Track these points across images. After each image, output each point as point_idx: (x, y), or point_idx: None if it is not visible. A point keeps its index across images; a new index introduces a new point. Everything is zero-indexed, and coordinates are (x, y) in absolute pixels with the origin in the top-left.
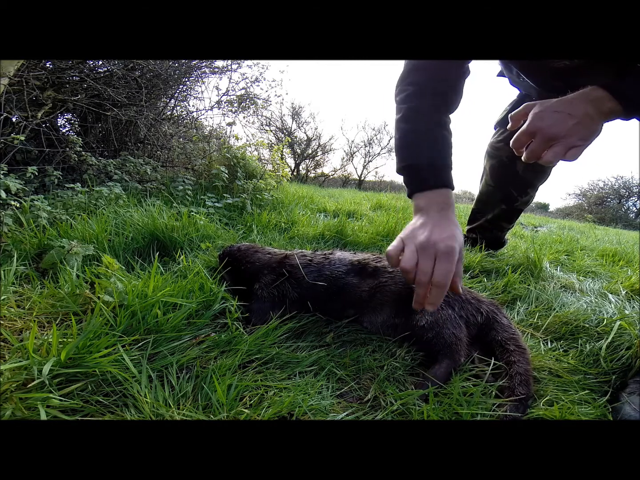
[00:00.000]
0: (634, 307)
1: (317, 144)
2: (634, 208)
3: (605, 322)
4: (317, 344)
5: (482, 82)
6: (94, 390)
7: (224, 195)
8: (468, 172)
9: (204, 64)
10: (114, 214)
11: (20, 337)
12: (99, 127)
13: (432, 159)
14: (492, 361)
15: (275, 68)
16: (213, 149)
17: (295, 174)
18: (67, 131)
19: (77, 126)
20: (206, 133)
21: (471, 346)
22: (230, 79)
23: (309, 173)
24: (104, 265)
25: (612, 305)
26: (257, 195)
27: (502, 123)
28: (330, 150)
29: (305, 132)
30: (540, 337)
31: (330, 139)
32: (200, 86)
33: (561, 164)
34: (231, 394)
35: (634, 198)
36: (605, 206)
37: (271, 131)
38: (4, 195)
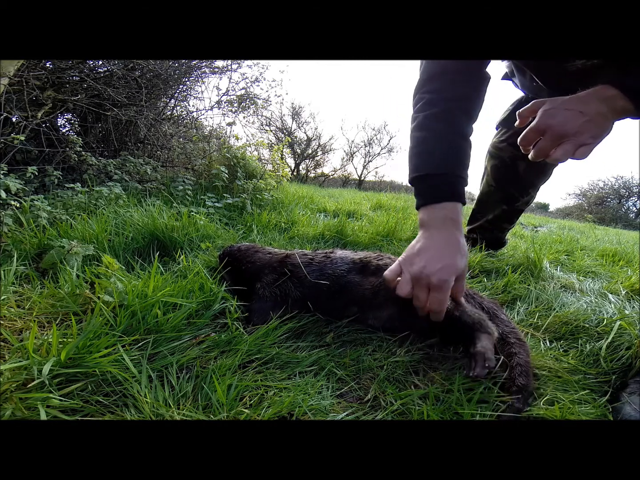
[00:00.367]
0: (634, 307)
1: (317, 144)
2: (634, 208)
3: (605, 322)
4: (317, 344)
5: None
6: (94, 390)
7: (224, 195)
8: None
9: (204, 64)
10: (114, 214)
11: (20, 337)
12: (99, 127)
13: (445, 168)
14: (501, 357)
15: (275, 68)
16: (213, 149)
17: (295, 174)
18: (67, 131)
19: (77, 126)
20: (206, 133)
21: None
22: (230, 79)
23: (309, 173)
24: (104, 265)
25: (612, 305)
26: (257, 195)
27: (504, 123)
28: (330, 150)
29: (305, 132)
30: (540, 337)
31: (330, 139)
32: (200, 86)
33: (562, 164)
34: (231, 394)
35: (634, 198)
36: (605, 206)
37: (271, 131)
38: (4, 195)
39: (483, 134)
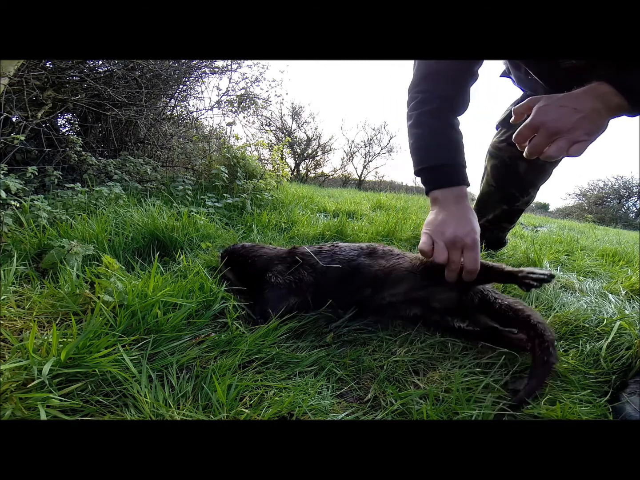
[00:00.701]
0: (634, 307)
1: (317, 144)
2: (634, 208)
3: (605, 322)
4: (317, 344)
5: (483, 82)
6: (94, 390)
7: (224, 195)
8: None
9: (204, 64)
10: (114, 213)
11: (20, 337)
12: (99, 127)
13: (445, 159)
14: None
15: (275, 68)
16: (213, 149)
17: (295, 174)
18: (67, 131)
19: (77, 126)
20: (206, 133)
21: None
22: (230, 79)
23: (309, 173)
24: (104, 265)
25: (612, 305)
26: (257, 195)
27: (504, 123)
28: (330, 150)
29: (305, 132)
30: None
31: (330, 139)
32: (200, 86)
33: (562, 163)
34: (231, 394)
35: (634, 198)
36: (605, 206)
37: (271, 131)
38: (4, 195)
39: (483, 134)
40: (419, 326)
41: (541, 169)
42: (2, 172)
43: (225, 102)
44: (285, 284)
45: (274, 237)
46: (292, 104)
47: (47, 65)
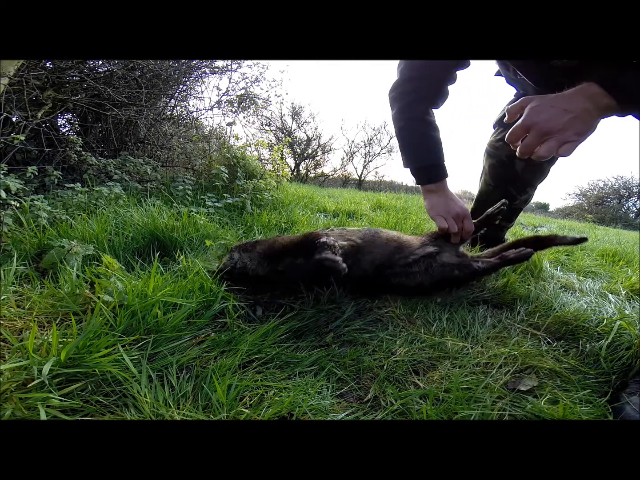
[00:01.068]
0: (634, 307)
1: (317, 144)
2: (634, 208)
3: (605, 322)
4: (317, 344)
5: (481, 81)
6: (94, 390)
7: (224, 195)
8: (468, 172)
9: (204, 64)
10: (114, 213)
11: (20, 337)
12: (99, 127)
13: (434, 160)
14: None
15: (275, 68)
16: (213, 149)
17: (295, 173)
18: (67, 131)
19: (77, 126)
20: (206, 133)
21: None
22: (230, 79)
23: (309, 173)
24: (104, 265)
25: (612, 305)
26: (257, 195)
27: (500, 122)
28: (330, 150)
29: (305, 132)
30: (541, 337)
31: (330, 139)
32: (200, 86)
33: (563, 162)
34: (231, 394)
35: (634, 198)
36: (605, 206)
37: (271, 131)
38: (4, 195)
39: (479, 134)
40: (420, 324)
41: (538, 168)
42: (2, 172)
43: (225, 102)
44: (337, 247)
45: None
46: (292, 104)
47: (47, 65)
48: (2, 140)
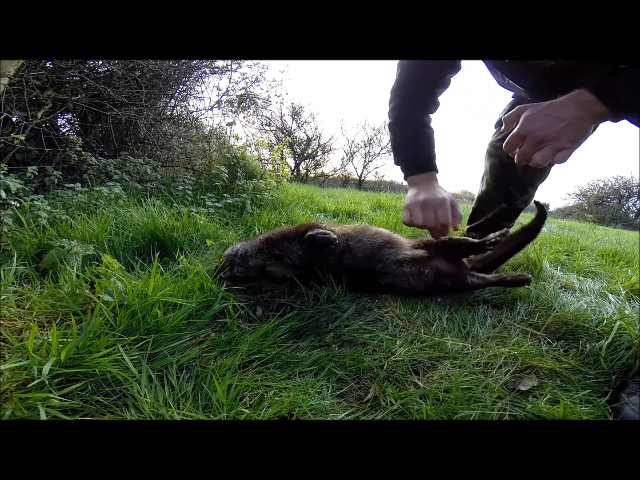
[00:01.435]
0: (634, 307)
1: (317, 144)
2: (634, 208)
3: (605, 322)
4: (317, 344)
5: (481, 82)
6: (94, 390)
7: (224, 195)
8: (468, 172)
9: (204, 64)
10: (114, 213)
11: (20, 337)
12: (99, 127)
13: (418, 152)
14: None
15: (275, 68)
16: (213, 149)
17: (295, 174)
18: (67, 131)
19: (77, 126)
20: (206, 133)
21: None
22: (230, 79)
23: (309, 173)
24: (104, 265)
25: (612, 305)
26: (257, 195)
27: (501, 123)
28: (330, 150)
29: (305, 132)
30: (541, 337)
31: (330, 139)
32: (200, 86)
33: (561, 164)
34: (231, 394)
35: (634, 198)
36: (605, 206)
37: (271, 131)
38: (4, 195)
39: (483, 134)
40: (420, 324)
41: (539, 169)
42: (2, 172)
43: (225, 102)
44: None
45: None
46: (292, 104)
47: (47, 65)
48: (2, 140)
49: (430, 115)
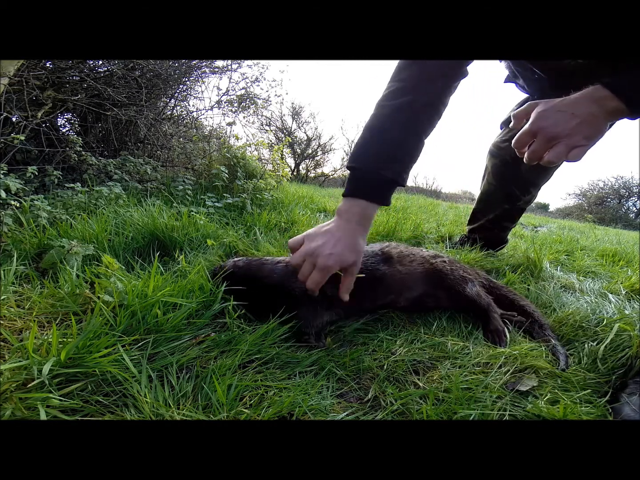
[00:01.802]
0: (634, 307)
1: (317, 144)
2: (634, 208)
3: (605, 322)
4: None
5: (482, 82)
6: (94, 390)
7: (224, 195)
8: (467, 172)
9: (204, 64)
10: (114, 213)
11: (20, 337)
12: (99, 127)
13: (375, 166)
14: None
15: (275, 68)
16: (213, 149)
17: (295, 174)
18: (67, 131)
19: (77, 126)
20: (206, 133)
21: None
22: (230, 79)
23: (309, 173)
24: (104, 265)
25: (612, 305)
26: (257, 195)
27: (508, 122)
28: (330, 150)
29: (305, 132)
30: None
31: (330, 139)
32: (200, 86)
33: (563, 164)
34: (231, 394)
35: (634, 198)
36: (605, 206)
37: (271, 131)
38: (4, 195)
39: (483, 134)
40: (420, 323)
41: (543, 169)
42: (2, 172)
43: (225, 102)
44: (313, 297)
45: (275, 236)
46: (292, 104)
47: (47, 65)
48: (2, 140)
49: (428, 128)
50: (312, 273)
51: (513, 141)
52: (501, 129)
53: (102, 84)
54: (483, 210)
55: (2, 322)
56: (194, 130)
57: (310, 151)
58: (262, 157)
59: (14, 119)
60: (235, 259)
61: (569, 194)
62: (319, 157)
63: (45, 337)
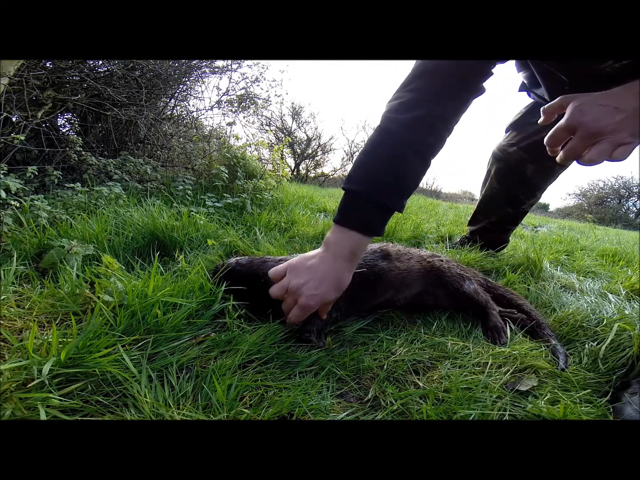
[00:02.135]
0: (634, 307)
1: (317, 144)
2: (634, 208)
3: (605, 322)
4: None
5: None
6: (94, 390)
7: (224, 195)
8: (467, 172)
9: (204, 64)
10: (114, 213)
11: (20, 337)
12: (99, 127)
13: (386, 196)
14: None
15: (275, 68)
16: (213, 149)
17: (295, 174)
18: (67, 131)
19: (77, 126)
20: (206, 133)
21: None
22: (230, 79)
23: (309, 173)
24: (104, 265)
25: (612, 305)
26: (257, 195)
27: (515, 126)
28: (330, 150)
29: (305, 132)
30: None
31: (330, 139)
32: (200, 86)
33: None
34: (231, 394)
35: (634, 198)
36: (605, 206)
37: (271, 131)
38: (4, 195)
39: (483, 134)
40: (419, 323)
41: (549, 172)
42: (2, 172)
43: (225, 102)
44: None
45: (275, 236)
46: (292, 104)
47: (47, 65)
48: (2, 140)
49: (434, 151)
50: (294, 309)
51: (546, 138)
52: (506, 132)
53: (102, 84)
54: (484, 212)
55: (2, 322)
56: (194, 130)
57: (310, 151)
58: (262, 157)
59: (14, 119)
60: (238, 257)
61: (569, 194)
62: (319, 157)
63: (45, 337)
